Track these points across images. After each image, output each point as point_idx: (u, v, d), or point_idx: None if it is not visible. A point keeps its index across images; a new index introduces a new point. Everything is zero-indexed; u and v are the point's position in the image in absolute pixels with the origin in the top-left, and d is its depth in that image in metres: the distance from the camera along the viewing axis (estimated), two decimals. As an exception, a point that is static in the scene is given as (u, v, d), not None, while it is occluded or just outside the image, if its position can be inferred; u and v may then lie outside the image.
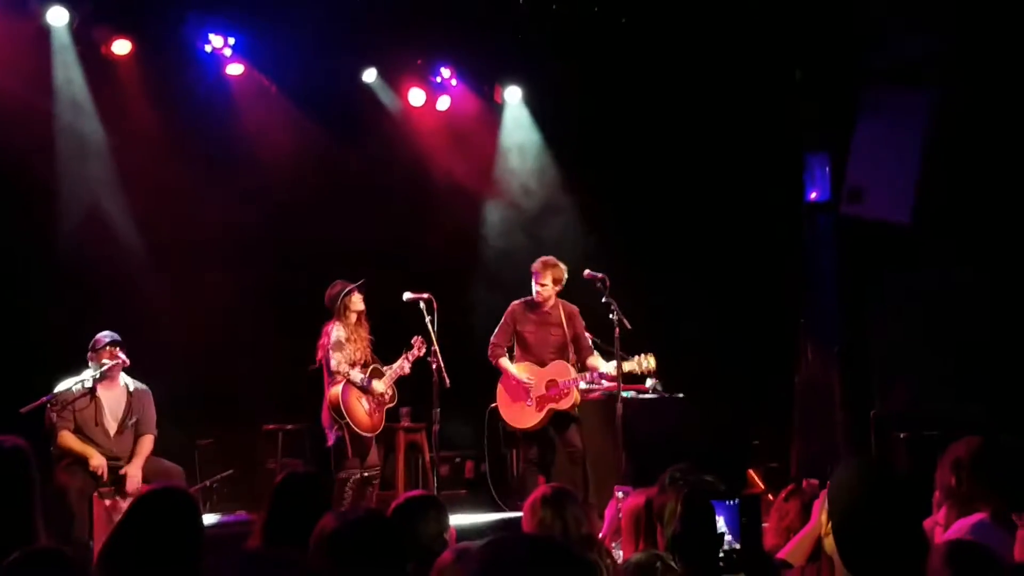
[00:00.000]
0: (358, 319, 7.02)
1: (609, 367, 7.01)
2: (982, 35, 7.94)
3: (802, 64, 8.58)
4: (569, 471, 7.12)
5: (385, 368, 7.04)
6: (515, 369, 7.16)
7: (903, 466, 7.60)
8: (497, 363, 7.25)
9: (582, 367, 7.21)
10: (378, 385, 6.94)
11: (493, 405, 7.39)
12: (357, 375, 6.87)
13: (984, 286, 8.40)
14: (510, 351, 7.36)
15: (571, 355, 7.21)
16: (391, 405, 7.12)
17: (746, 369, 8.92)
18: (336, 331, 6.92)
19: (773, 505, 4.27)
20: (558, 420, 7.14)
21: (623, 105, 9.00)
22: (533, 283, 7.19)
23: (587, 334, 7.33)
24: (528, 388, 7.09)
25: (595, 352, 7.28)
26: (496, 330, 7.30)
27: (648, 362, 6.97)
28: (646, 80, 8.85)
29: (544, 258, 7.22)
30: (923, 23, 8.14)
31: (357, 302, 6.98)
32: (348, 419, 6.82)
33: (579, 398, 7.17)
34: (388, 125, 9.06)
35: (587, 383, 7.24)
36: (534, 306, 7.23)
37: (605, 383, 7.32)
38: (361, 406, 6.90)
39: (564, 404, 7.09)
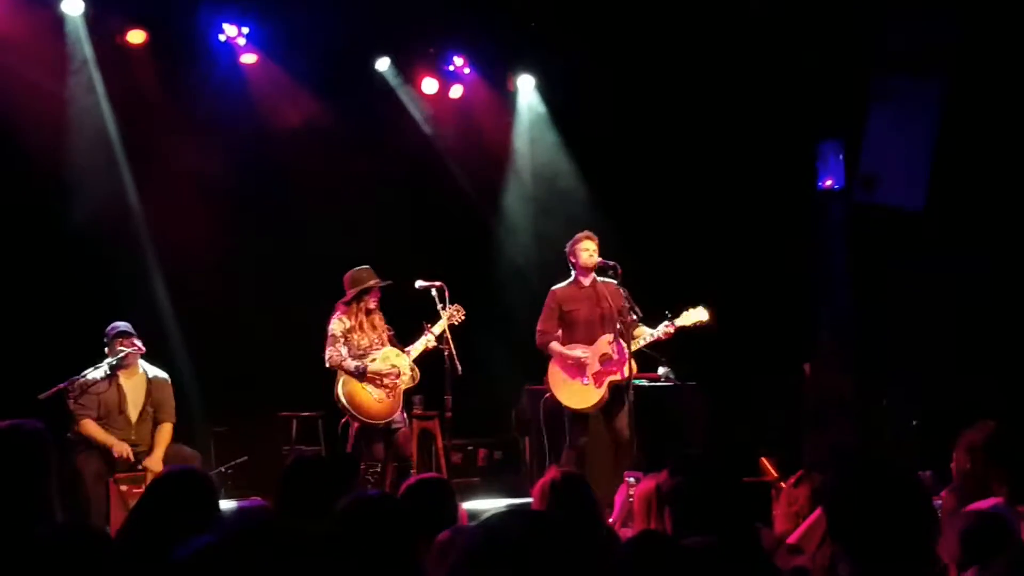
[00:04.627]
0: (369, 312, 6.83)
1: (657, 331, 6.83)
2: (994, 22, 7.91)
3: (814, 51, 8.54)
4: (608, 458, 6.87)
5: (408, 348, 6.85)
6: (567, 349, 6.86)
7: (915, 454, 7.62)
8: (548, 348, 6.94)
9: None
10: (375, 363, 6.69)
11: (548, 395, 7.05)
12: (351, 363, 6.68)
13: (999, 273, 8.38)
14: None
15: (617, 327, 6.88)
16: (411, 386, 6.89)
17: (759, 356, 8.91)
18: (334, 324, 6.76)
19: (783, 491, 4.28)
20: (612, 402, 6.83)
21: (635, 93, 8.99)
22: (579, 255, 6.92)
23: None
24: (585, 364, 6.79)
25: (640, 324, 6.93)
26: (541, 317, 6.99)
27: (699, 314, 6.85)
28: (658, 67, 8.83)
29: (579, 233, 7.03)
30: (935, 10, 8.12)
31: (371, 302, 6.80)
32: (354, 411, 6.67)
33: (635, 368, 6.85)
34: (401, 113, 9.08)
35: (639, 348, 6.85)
36: (578, 285, 7.00)
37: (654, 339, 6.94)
38: (368, 394, 6.72)
39: (623, 373, 6.75)
